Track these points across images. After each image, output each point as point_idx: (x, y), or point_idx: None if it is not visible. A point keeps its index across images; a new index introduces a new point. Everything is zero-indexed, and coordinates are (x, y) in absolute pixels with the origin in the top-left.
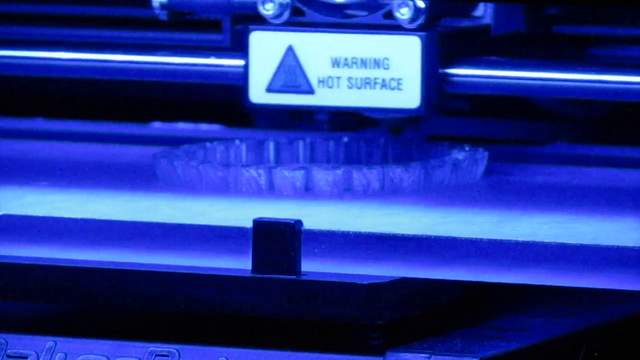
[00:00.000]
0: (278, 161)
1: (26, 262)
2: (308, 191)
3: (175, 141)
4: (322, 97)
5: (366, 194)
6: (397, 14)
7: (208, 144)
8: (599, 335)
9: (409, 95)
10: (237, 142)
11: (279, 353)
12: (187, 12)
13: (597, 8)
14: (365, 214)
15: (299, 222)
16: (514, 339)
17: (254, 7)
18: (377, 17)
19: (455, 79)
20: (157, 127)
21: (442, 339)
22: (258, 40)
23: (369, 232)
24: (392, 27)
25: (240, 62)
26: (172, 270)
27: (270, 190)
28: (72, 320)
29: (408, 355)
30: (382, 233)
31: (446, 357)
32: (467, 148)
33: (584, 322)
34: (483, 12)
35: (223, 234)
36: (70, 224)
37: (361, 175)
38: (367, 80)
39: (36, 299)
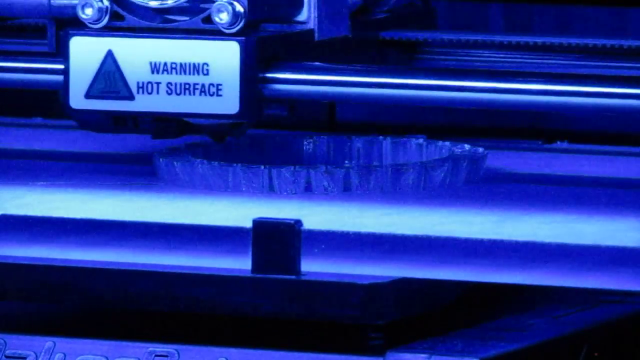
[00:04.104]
0: (278, 161)
1: (26, 262)
2: (308, 191)
3: (175, 141)
4: (142, 103)
5: (366, 194)
6: (216, 19)
7: (208, 144)
8: (600, 335)
9: (228, 101)
10: (237, 141)
11: (279, 353)
12: (9, 16)
13: (423, 13)
14: (365, 214)
15: (298, 222)
16: (514, 339)
17: (74, 12)
18: (197, 22)
19: (275, 84)
20: None
21: (442, 339)
22: (78, 46)
23: (369, 232)
24: (211, 32)
25: (61, 68)
26: (172, 270)
27: (270, 190)
28: (72, 320)
29: (408, 355)
30: (382, 233)
31: (446, 357)
32: (467, 148)
33: (584, 322)
34: (307, 17)
35: (223, 234)
36: (70, 224)
37: (361, 175)
38: (187, 86)
39: (35, 299)
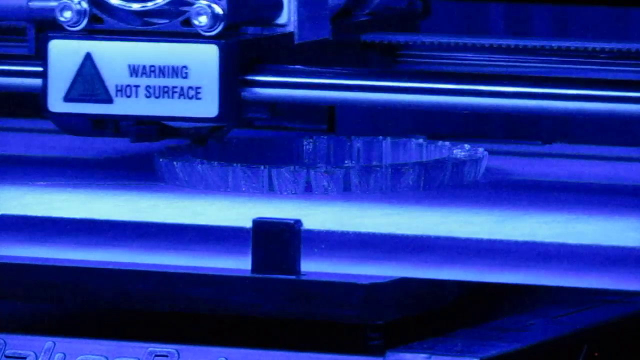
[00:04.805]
0: (278, 161)
1: (26, 262)
2: (308, 191)
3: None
4: (121, 106)
5: (366, 194)
6: (195, 22)
7: (208, 144)
8: (599, 335)
9: (207, 104)
10: (237, 141)
11: (279, 353)
12: None
13: (405, 16)
14: (365, 214)
15: (298, 222)
16: (514, 339)
17: (53, 15)
18: (176, 25)
19: (254, 87)
20: None
21: (442, 339)
22: (56, 49)
23: (369, 232)
24: (191, 35)
25: (40, 71)
26: (172, 270)
27: (270, 190)
28: (71, 320)
29: (408, 355)
30: (382, 233)
31: (446, 357)
32: (467, 148)
33: (584, 322)
34: (287, 20)
35: (223, 234)
36: (70, 224)
37: (361, 175)
38: (166, 89)
39: (35, 299)
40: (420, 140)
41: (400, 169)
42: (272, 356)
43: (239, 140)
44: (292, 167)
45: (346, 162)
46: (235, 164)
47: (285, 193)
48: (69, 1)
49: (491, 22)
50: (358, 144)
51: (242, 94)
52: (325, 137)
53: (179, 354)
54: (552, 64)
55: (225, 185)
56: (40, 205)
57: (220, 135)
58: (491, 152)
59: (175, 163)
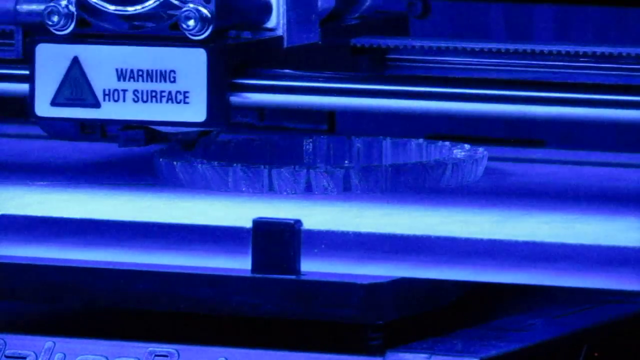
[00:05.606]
0: (278, 161)
1: (26, 262)
2: (308, 191)
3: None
4: (108, 111)
5: (366, 194)
6: (184, 26)
7: (208, 144)
8: (600, 335)
9: (195, 109)
10: (237, 141)
11: (279, 353)
12: None
13: (395, 20)
14: (365, 214)
15: (298, 222)
16: (514, 339)
17: (41, 18)
18: (164, 29)
19: (243, 92)
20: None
21: (442, 339)
22: (44, 53)
23: (369, 232)
24: (179, 38)
25: (27, 75)
26: (171, 270)
27: (270, 190)
28: (71, 320)
29: (408, 355)
30: (382, 233)
31: (446, 357)
32: (467, 148)
33: (584, 322)
34: (276, 24)
35: (223, 233)
36: (70, 224)
37: (361, 175)
38: (153, 94)
39: (35, 299)
40: (420, 140)
41: (400, 169)
42: (272, 356)
43: (239, 140)
44: (292, 167)
45: (346, 162)
46: (235, 164)
47: (285, 193)
48: (56, 5)
49: (491, 23)
50: (358, 144)
51: (230, 98)
52: (325, 137)
53: (179, 354)
54: (545, 68)
55: (225, 185)
56: (40, 205)
57: (209, 139)
58: (491, 153)
59: (175, 163)
